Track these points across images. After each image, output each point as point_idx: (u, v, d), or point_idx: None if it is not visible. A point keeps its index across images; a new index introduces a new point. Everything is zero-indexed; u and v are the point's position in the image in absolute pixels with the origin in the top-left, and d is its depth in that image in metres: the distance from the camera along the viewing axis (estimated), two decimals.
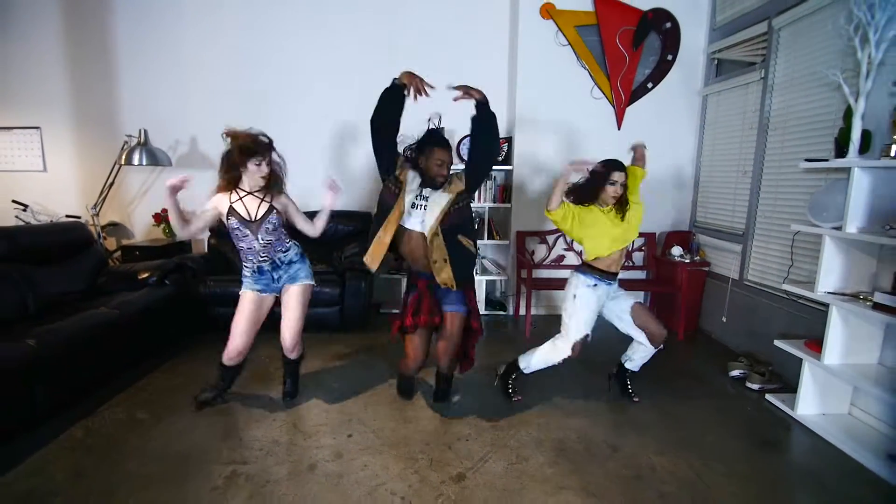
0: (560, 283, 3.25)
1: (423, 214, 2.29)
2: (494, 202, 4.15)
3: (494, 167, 3.95)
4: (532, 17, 3.90)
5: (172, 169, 4.21)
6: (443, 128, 3.83)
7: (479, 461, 2.10)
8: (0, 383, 2.05)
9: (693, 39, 3.94)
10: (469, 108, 2.34)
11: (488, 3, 4.14)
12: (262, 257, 2.32)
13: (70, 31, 4.13)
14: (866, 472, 2.07)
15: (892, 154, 2.08)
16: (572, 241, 4.01)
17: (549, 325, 3.90)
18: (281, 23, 4.14)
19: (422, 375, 2.77)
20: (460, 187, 2.33)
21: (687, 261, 3.77)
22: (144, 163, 3.91)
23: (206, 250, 4.19)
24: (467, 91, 2.29)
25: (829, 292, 2.35)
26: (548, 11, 3.88)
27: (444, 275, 2.30)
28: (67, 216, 4.14)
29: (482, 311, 4.03)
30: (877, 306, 2.12)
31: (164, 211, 4.15)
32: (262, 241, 2.29)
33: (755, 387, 2.81)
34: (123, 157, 3.95)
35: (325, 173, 3.95)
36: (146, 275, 3.25)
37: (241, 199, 2.27)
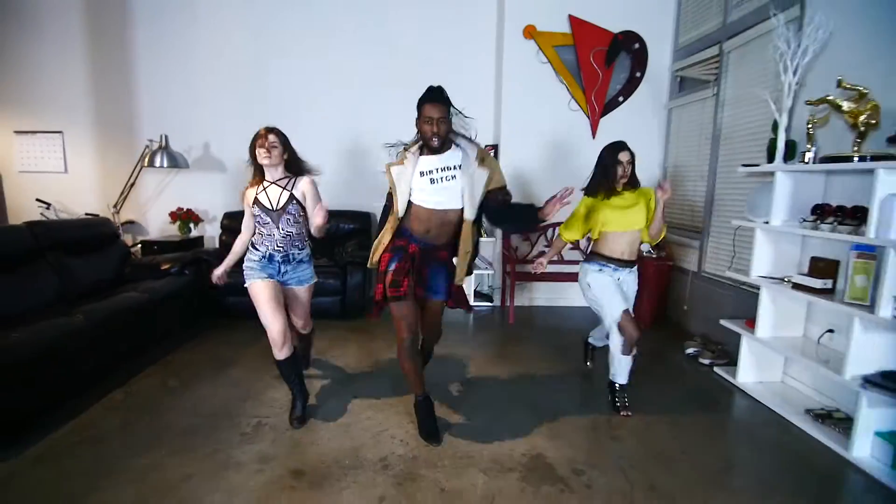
0: (542, 276, 3.44)
1: (457, 187, 2.08)
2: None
3: None
4: (516, 38, 4.35)
5: (188, 171, 4.58)
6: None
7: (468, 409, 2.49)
8: (63, 349, 2.41)
9: (659, 58, 4.41)
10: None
11: (476, 25, 4.59)
12: (278, 246, 2.39)
13: (91, 42, 4.49)
14: (791, 427, 2.46)
15: (807, 160, 2.53)
16: (552, 237, 4.45)
17: (531, 316, 4.33)
18: (286, 33, 4.52)
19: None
20: (501, 182, 2.22)
21: (654, 256, 4.20)
22: (166, 165, 4.29)
23: (217, 246, 4.56)
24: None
25: (760, 276, 2.79)
26: (529, 33, 4.32)
27: (461, 271, 2.19)
28: (87, 214, 4.48)
29: (472, 302, 4.41)
30: (796, 286, 2.55)
31: (180, 209, 4.52)
32: (282, 232, 2.36)
33: (706, 361, 3.23)
34: (147, 159, 4.32)
35: (331, 175, 4.25)
36: (168, 266, 3.62)
37: (265, 189, 2.37)
